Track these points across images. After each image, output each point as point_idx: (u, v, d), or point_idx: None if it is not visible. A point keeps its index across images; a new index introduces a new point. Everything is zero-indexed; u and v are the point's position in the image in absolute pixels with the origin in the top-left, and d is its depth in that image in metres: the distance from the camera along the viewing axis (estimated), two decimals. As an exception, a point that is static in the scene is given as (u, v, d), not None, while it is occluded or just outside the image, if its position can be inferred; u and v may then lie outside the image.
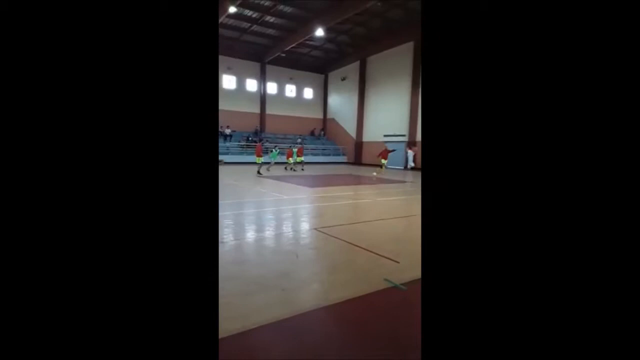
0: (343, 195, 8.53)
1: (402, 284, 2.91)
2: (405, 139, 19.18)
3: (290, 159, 15.80)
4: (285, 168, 15.54)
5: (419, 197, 8.50)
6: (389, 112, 20.39)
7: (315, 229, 4.89)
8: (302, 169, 15.81)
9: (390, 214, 6.23)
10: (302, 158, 16.18)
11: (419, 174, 15.47)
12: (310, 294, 2.75)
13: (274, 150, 15.15)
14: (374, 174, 14.38)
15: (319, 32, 16.66)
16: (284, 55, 21.68)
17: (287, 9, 16.18)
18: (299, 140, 22.18)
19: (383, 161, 15.02)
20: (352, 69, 23.20)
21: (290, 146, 16.90)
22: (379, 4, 15.06)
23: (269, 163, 14.48)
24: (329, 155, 23.69)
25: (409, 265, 3.42)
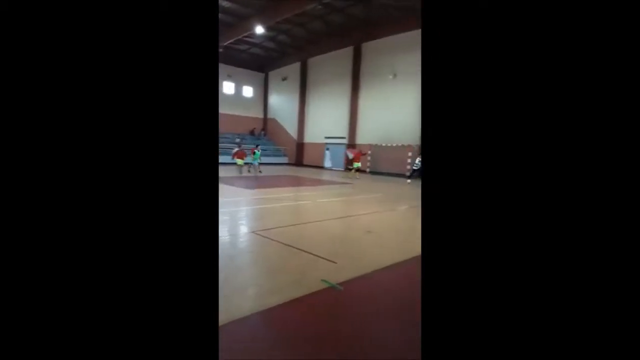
0: (283, 197, 8.47)
1: (338, 284, 2.96)
2: (346, 141, 19.77)
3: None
4: (249, 170, 14.76)
5: (358, 197, 8.83)
6: (330, 115, 20.83)
7: (254, 232, 4.77)
8: (260, 172, 14.95)
9: (330, 215, 6.35)
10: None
11: (358, 176, 16.04)
12: (246, 299, 2.66)
13: (256, 150, 14.44)
14: (349, 176, 14.18)
15: (259, 29, 16.36)
16: (221, 50, 20.86)
17: (226, 4, 15.61)
18: (237, 140, 21.54)
19: (356, 164, 14.58)
20: (293, 69, 23.22)
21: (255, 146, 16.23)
22: (320, 6, 15.30)
23: (250, 164, 14.14)
24: (269, 156, 23.37)
25: (345, 265, 3.51)
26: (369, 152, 17.81)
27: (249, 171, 14.14)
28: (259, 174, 13.65)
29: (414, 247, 4.38)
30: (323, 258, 3.68)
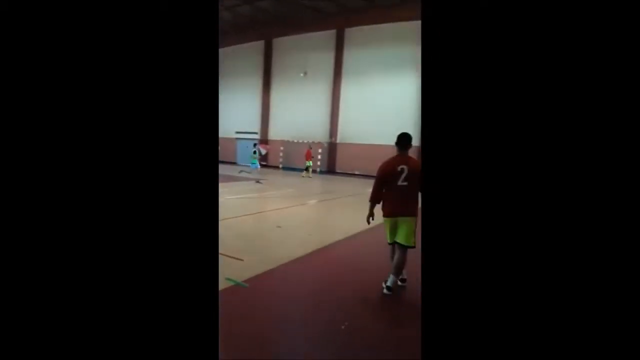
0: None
1: (243, 281, 2.95)
2: (258, 136, 19.49)
3: None
4: None
5: (270, 193, 8.82)
6: (241, 108, 20.23)
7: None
8: None
9: (240, 211, 6.22)
10: None
11: (271, 171, 16.00)
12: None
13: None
14: (302, 176, 13.91)
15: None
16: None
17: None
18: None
19: (308, 163, 14.14)
20: (201, 59, 21.84)
21: None
22: (228, -4, 14.70)
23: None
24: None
25: (252, 262, 3.50)
26: (282, 147, 17.93)
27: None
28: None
29: (319, 239, 4.61)
30: (230, 256, 3.61)
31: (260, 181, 11.00)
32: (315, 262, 3.79)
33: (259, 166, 13.14)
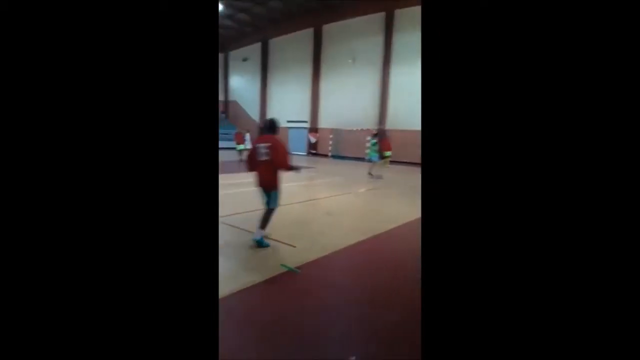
0: (245, 182, 8.38)
1: (296, 267, 3.07)
2: (308, 125, 19.72)
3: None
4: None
5: (319, 181, 8.95)
6: (292, 98, 20.57)
7: (213, 218, 4.72)
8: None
9: (292, 199, 6.41)
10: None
11: (320, 160, 16.17)
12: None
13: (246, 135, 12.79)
14: (380, 165, 10.74)
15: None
16: (176, 28, 19.59)
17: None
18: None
19: (387, 153, 11.12)
20: (254, 50, 22.48)
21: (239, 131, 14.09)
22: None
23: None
24: (230, 140, 22.73)
25: (304, 248, 3.62)
26: (331, 136, 17.95)
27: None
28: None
29: (369, 227, 4.59)
30: (283, 242, 3.76)
31: (381, 177, 9.83)
32: (366, 250, 3.80)
33: (377, 159, 10.58)
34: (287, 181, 8.55)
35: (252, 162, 3.63)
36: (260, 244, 3.51)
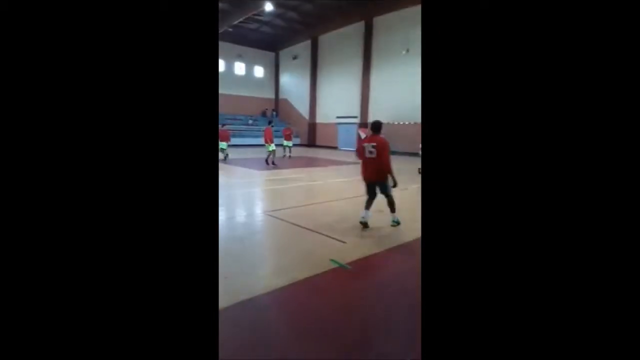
0: (295, 178, 8.50)
1: (346, 264, 2.98)
2: (358, 120, 19.47)
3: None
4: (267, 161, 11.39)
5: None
6: (341, 93, 20.45)
7: (266, 212, 4.82)
8: (290, 155, 13.46)
9: (340, 195, 6.34)
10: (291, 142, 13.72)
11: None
12: (254, 279, 2.71)
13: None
14: None
15: (268, 6, 15.96)
16: (231, 30, 20.54)
17: (233, -19, 15.24)
18: (250, 121, 21.45)
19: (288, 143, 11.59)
20: (304, 47, 22.74)
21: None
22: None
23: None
24: (281, 137, 23.29)
25: (354, 244, 3.52)
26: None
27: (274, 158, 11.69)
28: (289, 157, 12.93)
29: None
30: (332, 238, 3.70)
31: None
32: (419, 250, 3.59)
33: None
34: (335, 177, 8.56)
35: (360, 155, 4.18)
36: (397, 222, 4.15)
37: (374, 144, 3.95)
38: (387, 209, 4.15)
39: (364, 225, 4.08)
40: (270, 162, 10.50)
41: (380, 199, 4.16)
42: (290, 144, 13.49)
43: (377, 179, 4.03)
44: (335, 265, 2.95)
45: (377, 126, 4.13)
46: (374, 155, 3.94)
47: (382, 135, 4.10)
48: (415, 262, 3.27)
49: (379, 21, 17.81)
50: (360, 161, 4.24)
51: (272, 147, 10.49)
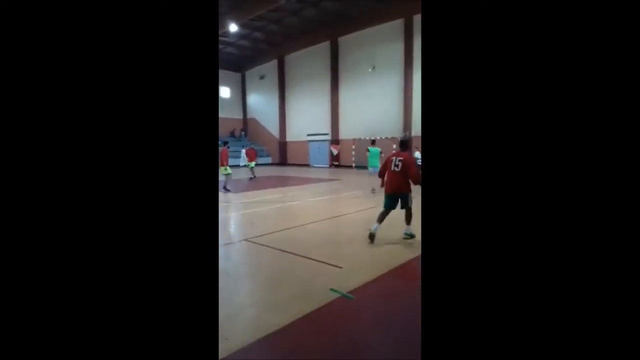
0: (271, 199, 8.13)
1: (348, 292, 2.68)
2: (329, 137, 19.51)
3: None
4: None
5: (346, 194, 8.57)
6: (311, 111, 20.50)
7: (247, 239, 4.43)
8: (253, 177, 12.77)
9: (322, 215, 6.06)
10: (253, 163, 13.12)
11: (344, 171, 15.86)
12: (245, 323, 2.33)
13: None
14: None
15: (232, 27, 15.82)
16: (195, 51, 20.11)
17: (196, 2, 14.99)
18: (221, 142, 20.78)
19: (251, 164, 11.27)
20: (271, 67, 22.73)
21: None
22: (293, 1, 14.91)
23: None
24: (237, 158, 22.72)
25: (352, 269, 3.23)
26: (353, 146, 17.62)
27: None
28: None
29: (418, 244, 4.15)
30: (326, 263, 3.40)
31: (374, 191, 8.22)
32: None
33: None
34: (313, 196, 8.29)
35: (384, 170, 4.49)
36: (411, 236, 4.29)
37: (401, 158, 4.28)
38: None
39: (372, 238, 4.14)
40: (224, 187, 9.07)
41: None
42: (253, 164, 12.96)
43: (401, 190, 4.24)
44: (337, 295, 2.65)
45: (404, 143, 4.59)
46: (399, 169, 4.22)
47: (408, 153, 4.49)
48: (417, 284, 3.04)
49: (345, 40, 18.24)
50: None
51: (228, 170, 9.26)
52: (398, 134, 16.04)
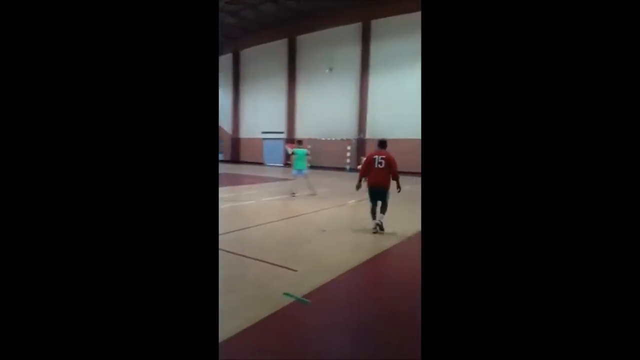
0: (223, 198, 7.81)
1: (303, 297, 2.63)
2: (284, 135, 19.32)
3: None
4: None
5: (301, 194, 8.51)
6: (267, 108, 20.15)
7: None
8: None
9: (277, 215, 5.95)
10: None
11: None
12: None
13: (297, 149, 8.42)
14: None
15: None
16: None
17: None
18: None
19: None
20: (225, 61, 21.93)
21: None
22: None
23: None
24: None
25: (307, 272, 3.19)
26: (309, 146, 17.65)
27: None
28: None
29: (372, 244, 4.24)
30: (281, 266, 3.31)
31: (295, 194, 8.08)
32: (377, 274, 3.43)
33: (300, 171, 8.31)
34: (268, 195, 8.10)
35: (366, 169, 4.89)
36: (381, 228, 4.74)
37: (383, 156, 4.77)
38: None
39: (378, 227, 4.71)
40: None
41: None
42: None
43: (384, 185, 4.71)
44: (292, 300, 2.58)
45: (383, 143, 5.02)
46: (382, 166, 4.71)
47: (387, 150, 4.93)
48: (374, 287, 3.09)
49: (303, 39, 18.20)
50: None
51: None
52: (353, 135, 16.40)
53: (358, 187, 5.07)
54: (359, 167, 12.93)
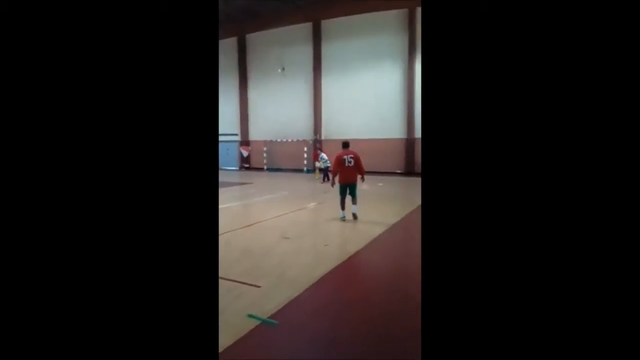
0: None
1: (269, 317, 2.41)
2: (238, 137, 18.67)
3: None
4: None
5: (263, 198, 8.21)
6: (219, 110, 19.32)
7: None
8: None
9: (237, 223, 5.61)
10: None
11: (256, 174, 15.35)
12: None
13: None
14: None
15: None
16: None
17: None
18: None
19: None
20: (171, 60, 20.67)
21: None
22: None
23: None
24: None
25: (271, 287, 2.96)
26: (265, 148, 17.24)
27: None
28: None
29: (338, 250, 4.11)
30: (242, 282, 3.05)
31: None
32: (346, 283, 3.30)
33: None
34: (224, 202, 7.67)
35: (338, 166, 5.59)
36: (354, 216, 5.58)
37: (352, 155, 5.53)
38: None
39: (355, 216, 5.54)
40: None
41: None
42: None
43: (354, 181, 5.56)
44: (257, 322, 2.35)
45: (347, 144, 5.86)
46: (352, 164, 5.49)
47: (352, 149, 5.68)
48: (347, 298, 2.94)
49: (253, 38, 17.70)
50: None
51: None
52: (309, 136, 16.28)
53: (333, 184, 5.90)
54: (317, 164, 13.15)
